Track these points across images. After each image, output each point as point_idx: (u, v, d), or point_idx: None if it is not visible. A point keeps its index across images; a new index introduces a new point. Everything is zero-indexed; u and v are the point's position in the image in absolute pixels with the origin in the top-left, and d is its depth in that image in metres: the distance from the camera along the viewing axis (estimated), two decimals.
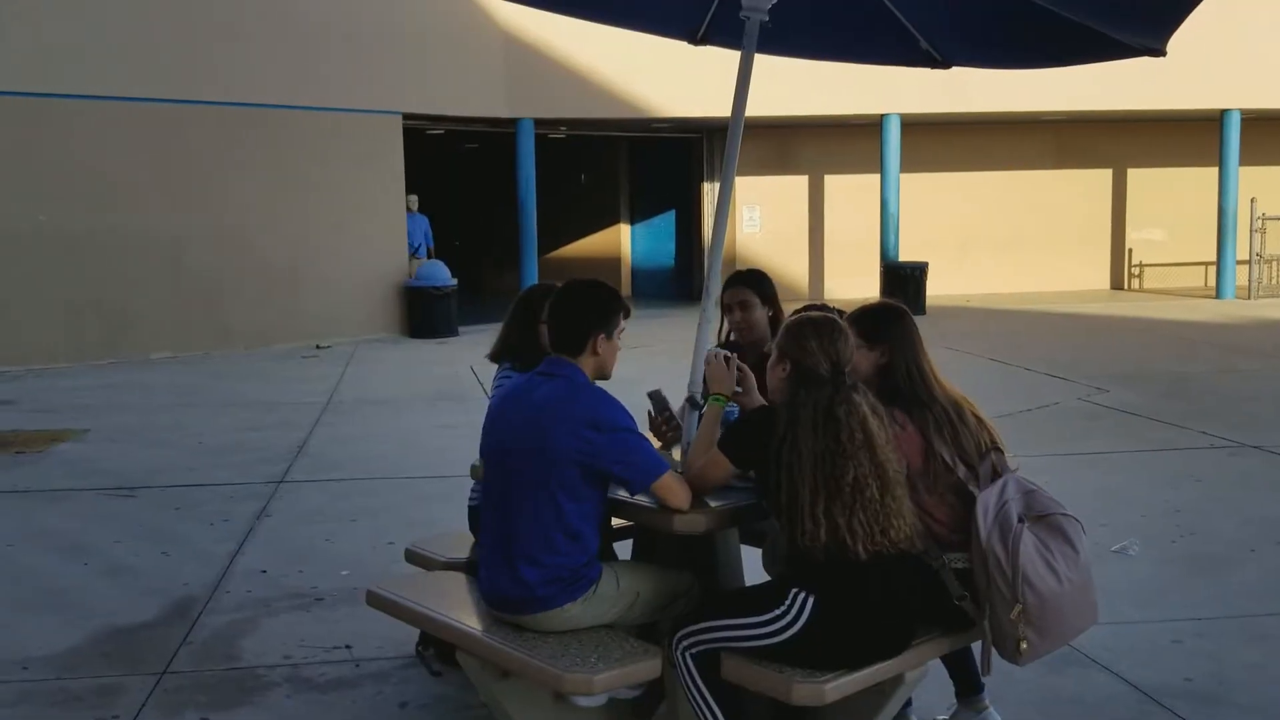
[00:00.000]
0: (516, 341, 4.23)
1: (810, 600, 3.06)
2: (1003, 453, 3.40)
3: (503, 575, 3.34)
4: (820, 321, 3.25)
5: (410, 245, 16.05)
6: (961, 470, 3.32)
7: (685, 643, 3.18)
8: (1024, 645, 3.16)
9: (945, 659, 3.65)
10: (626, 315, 3.49)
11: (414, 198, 16.29)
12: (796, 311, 4.05)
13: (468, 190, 14.29)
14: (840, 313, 3.82)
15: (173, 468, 7.75)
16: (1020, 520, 3.20)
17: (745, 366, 3.62)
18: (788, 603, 3.09)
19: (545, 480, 3.26)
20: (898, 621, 3.17)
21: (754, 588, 3.48)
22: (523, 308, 4.29)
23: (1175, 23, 3.79)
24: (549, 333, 3.49)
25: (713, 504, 3.36)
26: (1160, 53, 4.00)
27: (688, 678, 3.17)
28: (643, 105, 17.08)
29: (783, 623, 3.07)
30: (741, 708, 3.24)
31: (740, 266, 4.88)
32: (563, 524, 3.27)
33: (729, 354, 3.62)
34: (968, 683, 3.74)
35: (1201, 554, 5.71)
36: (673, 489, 3.27)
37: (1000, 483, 3.28)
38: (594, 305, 3.43)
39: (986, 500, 3.23)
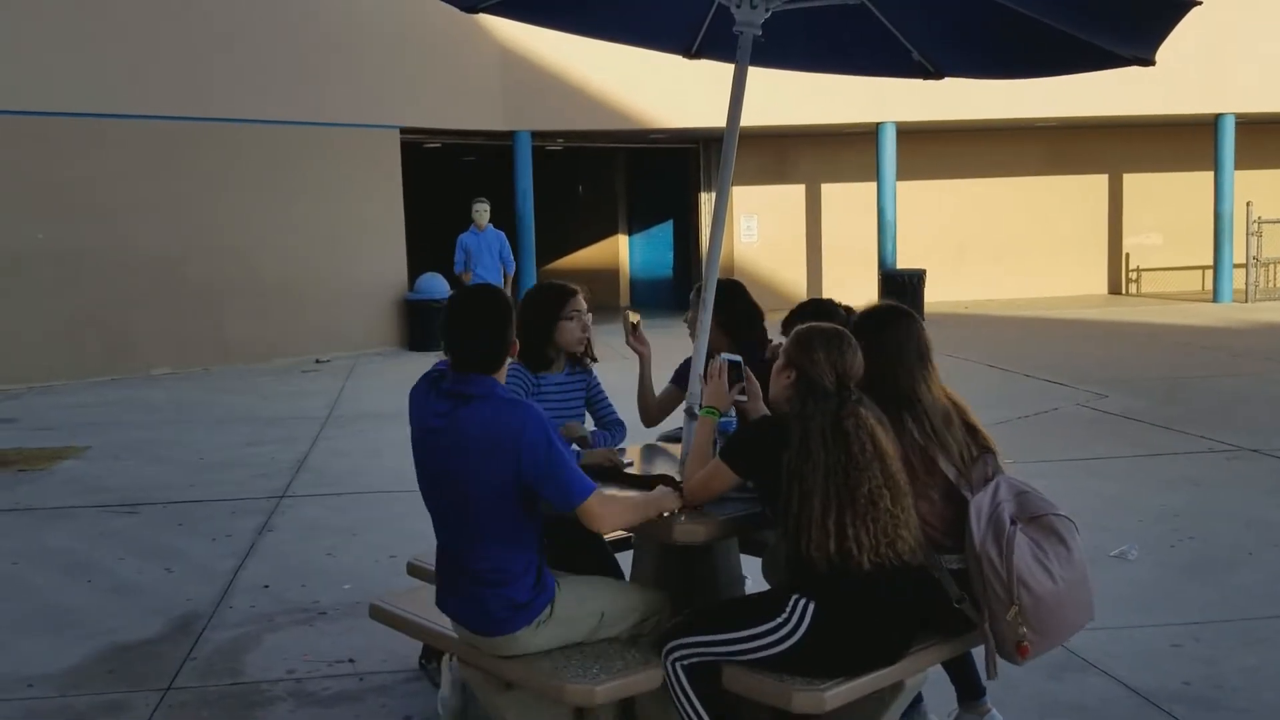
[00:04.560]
0: (531, 340, 4.22)
1: (811, 607, 3.08)
2: (995, 455, 3.42)
3: (456, 599, 3.32)
4: (829, 333, 3.25)
5: (464, 267, 12.96)
6: (952, 473, 3.33)
7: (676, 654, 3.17)
8: (1023, 644, 3.18)
9: (946, 664, 3.67)
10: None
11: (482, 208, 13.11)
12: (802, 305, 4.07)
13: (466, 203, 14.05)
14: (849, 309, 3.87)
15: (174, 484, 7.77)
16: (1013, 522, 3.22)
17: (751, 375, 3.62)
18: (788, 611, 3.09)
19: (480, 506, 3.20)
20: (896, 630, 3.19)
21: (750, 598, 3.47)
22: (535, 307, 4.30)
23: (1164, 33, 3.82)
24: (446, 347, 3.34)
25: (710, 514, 3.38)
26: (1150, 62, 4.04)
27: (678, 689, 3.16)
28: (639, 117, 17.14)
29: (783, 631, 3.08)
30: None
31: (738, 276, 4.97)
32: (502, 548, 3.21)
33: (738, 361, 3.57)
34: (969, 687, 3.76)
35: (1200, 558, 5.72)
36: (594, 513, 3.18)
37: (992, 485, 3.30)
38: (499, 321, 3.29)
39: (979, 503, 3.25)
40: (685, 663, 3.16)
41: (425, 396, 3.34)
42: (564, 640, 3.30)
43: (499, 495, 3.17)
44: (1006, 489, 3.31)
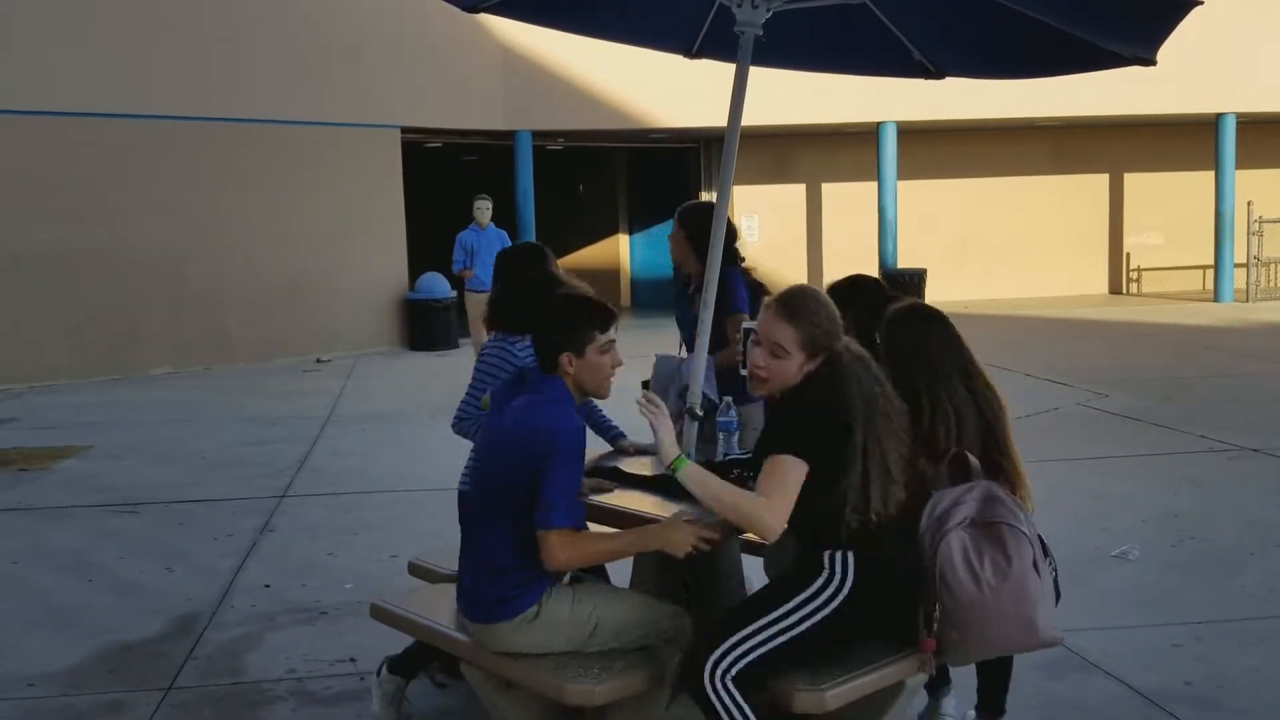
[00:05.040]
0: (506, 303, 4.14)
1: (850, 556, 3.03)
2: (967, 459, 3.33)
3: (459, 581, 3.37)
4: (829, 308, 3.19)
5: (463, 265, 12.17)
6: (931, 469, 3.32)
7: (724, 664, 2.97)
8: (929, 639, 3.15)
9: (980, 670, 3.68)
10: (604, 330, 3.28)
11: (484, 205, 12.41)
12: (853, 281, 3.96)
13: (467, 203, 13.81)
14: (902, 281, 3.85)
15: (176, 483, 7.77)
16: (969, 523, 3.18)
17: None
18: (827, 566, 3.04)
19: (493, 493, 3.22)
20: (918, 595, 3.18)
21: (771, 583, 3.31)
22: (506, 269, 4.26)
23: (1165, 32, 3.82)
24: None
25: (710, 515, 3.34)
26: (1151, 62, 4.03)
27: (732, 708, 2.94)
28: (640, 116, 17.13)
29: (831, 587, 3.02)
30: None
31: None
32: (500, 538, 3.21)
33: (653, 400, 3.27)
34: (993, 703, 3.72)
35: (1201, 558, 5.73)
36: (549, 545, 3.08)
37: (966, 485, 3.25)
38: (556, 324, 3.28)
39: (940, 496, 3.23)
40: (736, 670, 2.97)
41: (508, 388, 3.40)
42: (550, 644, 3.23)
43: (507, 486, 3.18)
44: (978, 492, 3.23)
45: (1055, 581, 3.37)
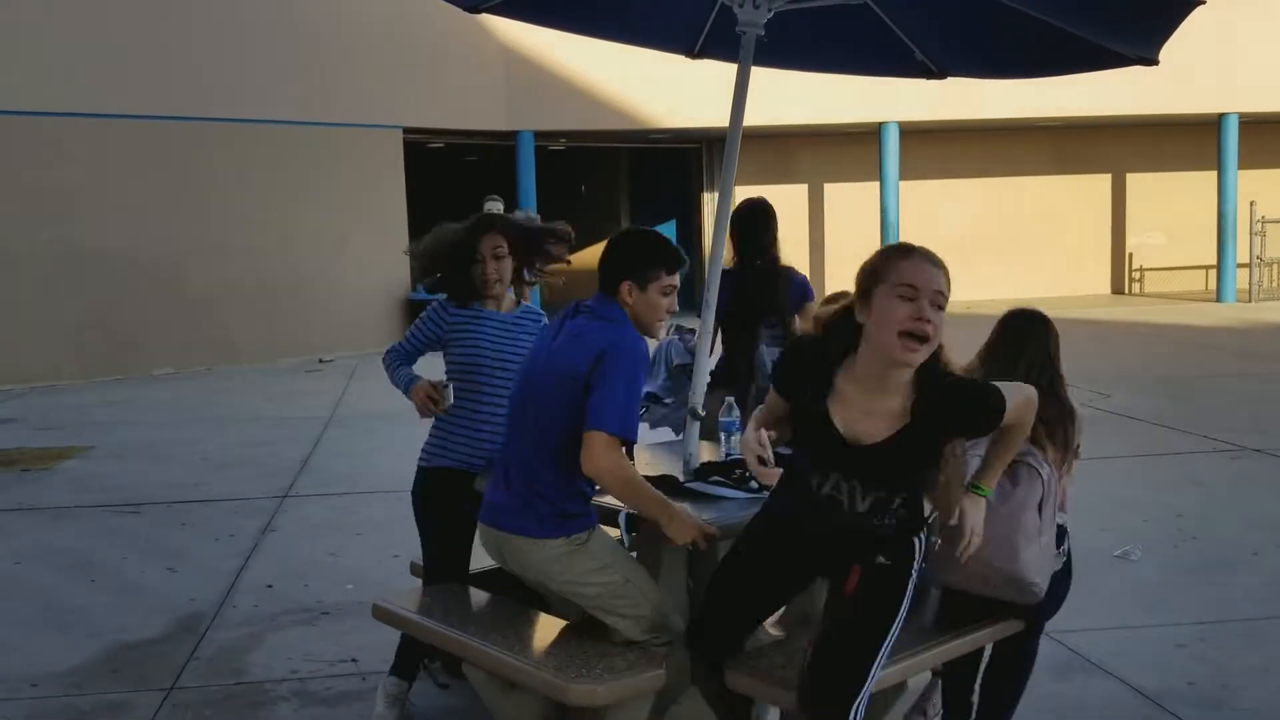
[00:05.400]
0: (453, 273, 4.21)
1: (925, 533, 2.99)
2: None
3: (498, 486, 3.34)
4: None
5: None
6: None
7: (863, 705, 2.83)
8: (929, 549, 3.10)
9: (983, 697, 3.62)
10: (671, 272, 3.32)
11: (495, 207, 12.05)
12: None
13: (469, 204, 13.75)
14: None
15: (178, 483, 7.77)
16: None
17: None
18: (916, 552, 2.94)
19: (551, 399, 3.20)
20: None
21: (873, 603, 2.92)
22: (453, 234, 4.29)
23: (1168, 32, 3.82)
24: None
25: (705, 517, 3.30)
26: (1153, 62, 4.04)
27: None
28: (642, 117, 17.14)
29: (916, 573, 2.94)
30: None
31: None
32: (553, 448, 3.19)
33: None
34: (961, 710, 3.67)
35: (1204, 558, 5.72)
36: (593, 450, 3.07)
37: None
38: (626, 251, 3.34)
39: (976, 442, 3.19)
40: (869, 699, 2.87)
41: (565, 314, 3.41)
42: (585, 581, 3.20)
43: (569, 394, 3.14)
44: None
45: (1067, 566, 3.43)
